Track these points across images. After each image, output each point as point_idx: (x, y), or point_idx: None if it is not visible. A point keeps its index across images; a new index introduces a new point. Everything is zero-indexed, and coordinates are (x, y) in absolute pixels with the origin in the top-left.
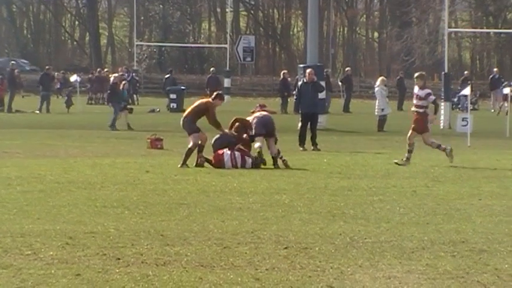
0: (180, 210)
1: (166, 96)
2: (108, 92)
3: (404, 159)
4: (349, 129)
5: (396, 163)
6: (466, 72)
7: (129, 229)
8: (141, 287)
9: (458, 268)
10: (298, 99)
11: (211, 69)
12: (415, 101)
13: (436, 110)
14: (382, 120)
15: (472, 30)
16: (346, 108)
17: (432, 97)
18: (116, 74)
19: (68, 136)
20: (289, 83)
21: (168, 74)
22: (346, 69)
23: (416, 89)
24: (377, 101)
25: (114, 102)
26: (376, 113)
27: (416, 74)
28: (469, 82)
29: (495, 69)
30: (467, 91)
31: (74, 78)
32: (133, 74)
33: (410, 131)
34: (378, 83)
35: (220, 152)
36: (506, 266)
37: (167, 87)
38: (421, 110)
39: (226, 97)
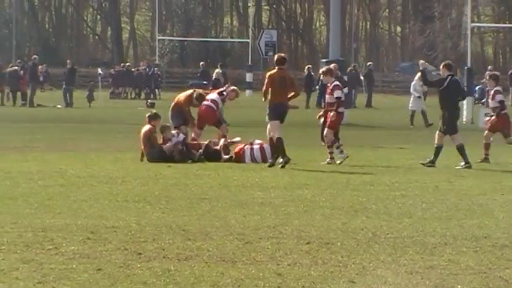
0: (201, 205)
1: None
2: None
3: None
4: (371, 124)
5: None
6: (490, 67)
7: (151, 224)
8: (162, 282)
9: (480, 263)
10: (321, 94)
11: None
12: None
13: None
14: (412, 115)
15: (495, 25)
16: (368, 104)
17: (498, 96)
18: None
19: (89, 130)
20: (313, 78)
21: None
22: (368, 63)
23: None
24: (412, 96)
25: None
26: (409, 108)
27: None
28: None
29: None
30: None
31: (99, 71)
32: (155, 69)
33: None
34: (416, 77)
35: (240, 147)
36: None
37: (201, 79)
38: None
39: (248, 92)
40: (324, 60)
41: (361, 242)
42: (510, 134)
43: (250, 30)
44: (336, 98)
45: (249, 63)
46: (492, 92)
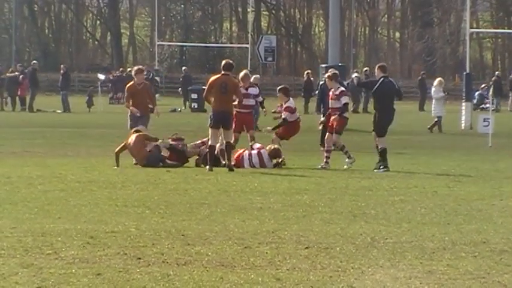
0: (201, 210)
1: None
2: None
3: None
4: (370, 129)
5: None
6: (497, 72)
7: (150, 229)
8: (161, 286)
9: (479, 269)
10: (320, 99)
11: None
12: None
13: None
14: (439, 121)
15: (494, 30)
16: (365, 109)
17: None
18: None
19: (89, 135)
20: (313, 83)
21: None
22: (364, 69)
23: None
24: (433, 102)
25: None
26: (432, 114)
27: None
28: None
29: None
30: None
31: (101, 76)
32: (152, 74)
33: None
34: (434, 83)
35: (239, 152)
36: None
37: (185, 85)
38: None
39: None
40: (323, 65)
41: (360, 247)
42: None
43: (249, 35)
44: (344, 104)
45: (249, 68)
46: None
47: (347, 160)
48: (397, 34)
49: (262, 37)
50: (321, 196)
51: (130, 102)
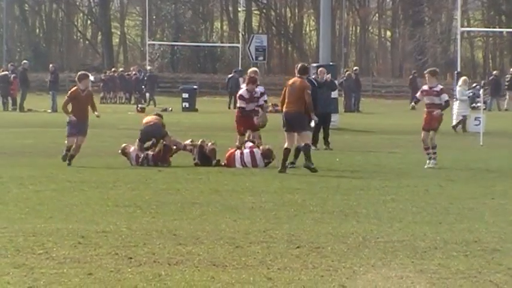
0: (192, 210)
1: (228, 96)
2: None
3: None
4: (361, 128)
5: None
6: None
7: (141, 228)
8: (153, 286)
9: (471, 268)
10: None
11: (234, 69)
12: None
13: None
14: (464, 120)
15: (485, 29)
16: (356, 108)
17: None
18: None
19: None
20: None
21: (232, 73)
22: (354, 68)
23: None
24: (457, 102)
25: None
26: (455, 114)
27: None
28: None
29: None
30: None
31: (92, 78)
32: (143, 73)
33: None
34: (459, 83)
35: (231, 151)
36: None
37: (230, 87)
38: None
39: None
40: (314, 64)
41: (352, 246)
42: None
43: (240, 35)
44: (445, 101)
45: (240, 68)
46: None
47: (432, 161)
48: (388, 33)
49: (253, 36)
50: (312, 195)
51: (70, 109)
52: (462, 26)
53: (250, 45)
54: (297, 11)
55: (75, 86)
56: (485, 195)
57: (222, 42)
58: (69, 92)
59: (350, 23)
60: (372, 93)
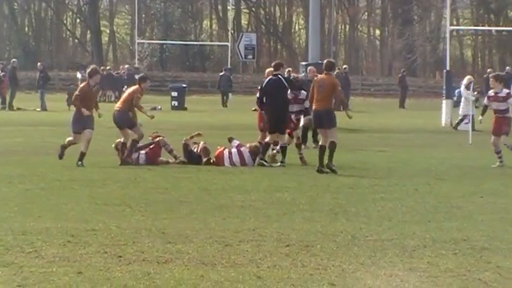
0: (181, 208)
1: (221, 94)
2: None
3: None
4: (350, 127)
5: None
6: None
7: (131, 227)
8: (142, 285)
9: (459, 266)
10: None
11: (224, 67)
12: None
13: None
14: (461, 119)
15: (474, 28)
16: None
17: None
18: None
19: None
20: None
21: (223, 72)
22: (344, 67)
23: None
24: (462, 100)
25: None
26: (461, 113)
27: None
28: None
29: (508, 68)
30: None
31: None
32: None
33: None
34: (464, 81)
35: (220, 150)
36: (508, 263)
37: (221, 85)
38: None
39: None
40: (303, 63)
41: (341, 245)
42: None
43: (229, 33)
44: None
45: (229, 66)
46: None
47: (499, 162)
48: (378, 31)
49: (242, 35)
50: (302, 194)
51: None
52: (451, 25)
53: (239, 43)
54: (286, 9)
55: (85, 81)
56: (474, 193)
57: (211, 41)
58: (80, 87)
59: (339, 21)
60: (361, 92)
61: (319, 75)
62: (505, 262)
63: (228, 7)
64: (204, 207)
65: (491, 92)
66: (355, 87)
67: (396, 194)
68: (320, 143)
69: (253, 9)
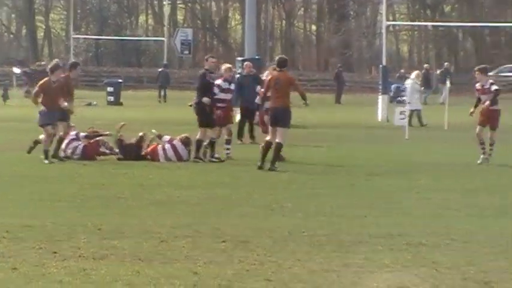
0: (117, 204)
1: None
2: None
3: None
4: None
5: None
6: (426, 65)
7: (66, 223)
8: (78, 280)
9: (396, 262)
10: (238, 93)
11: (164, 63)
12: None
13: None
14: (418, 114)
15: (410, 23)
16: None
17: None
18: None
19: (4, 129)
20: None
21: (162, 68)
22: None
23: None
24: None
25: None
26: (409, 108)
27: None
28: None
29: (446, 63)
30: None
31: (17, 70)
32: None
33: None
34: (412, 76)
35: (154, 145)
36: (444, 259)
37: (160, 81)
38: None
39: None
40: (239, 58)
41: (277, 240)
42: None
43: (165, 28)
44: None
45: (165, 61)
46: None
47: (483, 156)
48: (314, 27)
49: (178, 30)
50: (238, 189)
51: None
52: (387, 20)
53: (175, 39)
54: (222, 4)
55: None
56: (410, 189)
57: (147, 36)
58: (40, 83)
59: (275, 16)
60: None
61: (274, 73)
62: (441, 257)
63: (164, 2)
64: (140, 203)
65: (477, 85)
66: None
67: (333, 189)
68: (267, 139)
69: (189, 4)
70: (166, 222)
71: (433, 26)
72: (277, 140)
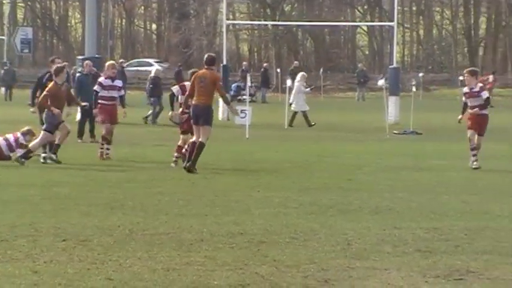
0: None
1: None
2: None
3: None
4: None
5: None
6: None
7: None
8: None
9: (237, 260)
10: (78, 91)
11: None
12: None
13: None
14: (305, 115)
15: (250, 22)
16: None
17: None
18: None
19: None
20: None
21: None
22: (120, 61)
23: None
24: (292, 96)
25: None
26: (293, 108)
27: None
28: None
29: (296, 62)
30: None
31: None
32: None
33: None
34: (298, 78)
35: None
36: (285, 257)
37: (6, 79)
38: None
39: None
40: (80, 57)
41: (118, 239)
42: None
43: (5, 27)
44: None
45: (5, 60)
46: None
47: (475, 162)
48: (154, 26)
49: (18, 29)
50: (79, 188)
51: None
52: (228, 19)
53: (15, 37)
54: (62, 3)
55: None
56: (251, 187)
57: None
58: (48, 87)
59: (116, 15)
60: (137, 86)
61: (200, 70)
62: (281, 256)
63: (4, 1)
64: None
65: (465, 89)
66: (131, 81)
67: (173, 187)
68: (192, 140)
69: (29, 3)
70: (7, 222)
71: (272, 25)
72: (200, 140)
